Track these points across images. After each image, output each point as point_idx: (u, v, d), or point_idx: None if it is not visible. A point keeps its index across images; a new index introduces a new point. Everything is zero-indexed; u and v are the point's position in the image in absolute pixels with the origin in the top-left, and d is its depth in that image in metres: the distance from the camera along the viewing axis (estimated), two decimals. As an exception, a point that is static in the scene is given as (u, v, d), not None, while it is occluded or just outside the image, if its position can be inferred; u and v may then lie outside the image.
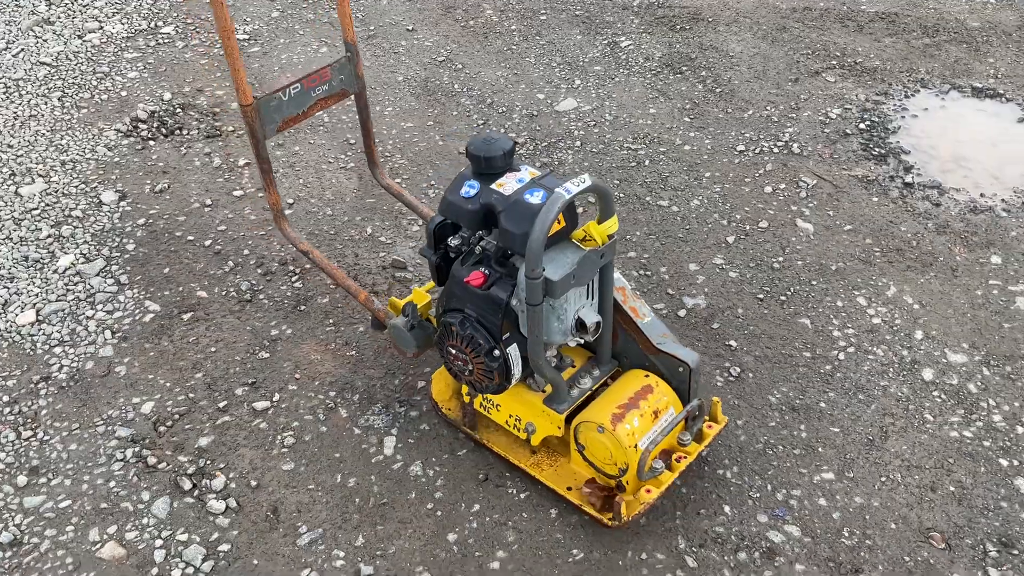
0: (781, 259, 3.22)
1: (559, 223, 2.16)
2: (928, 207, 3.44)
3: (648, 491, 2.28)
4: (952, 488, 2.48)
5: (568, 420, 2.35)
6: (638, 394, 2.31)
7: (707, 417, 2.44)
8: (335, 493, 2.50)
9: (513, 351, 2.24)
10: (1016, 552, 2.33)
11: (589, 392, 2.39)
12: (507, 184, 2.19)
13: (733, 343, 2.90)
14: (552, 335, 2.23)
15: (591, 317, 2.22)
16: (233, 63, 2.33)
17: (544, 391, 2.39)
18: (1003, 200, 3.47)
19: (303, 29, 4.63)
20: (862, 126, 3.86)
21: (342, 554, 2.35)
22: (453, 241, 2.34)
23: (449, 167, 3.68)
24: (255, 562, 2.34)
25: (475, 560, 2.33)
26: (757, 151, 3.75)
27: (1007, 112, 3.96)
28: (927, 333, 2.93)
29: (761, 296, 3.08)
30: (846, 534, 2.37)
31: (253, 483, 2.52)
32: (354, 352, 2.90)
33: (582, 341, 2.29)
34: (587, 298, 2.26)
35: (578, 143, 3.81)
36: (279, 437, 2.64)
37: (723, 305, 3.05)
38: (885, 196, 3.50)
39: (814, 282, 3.12)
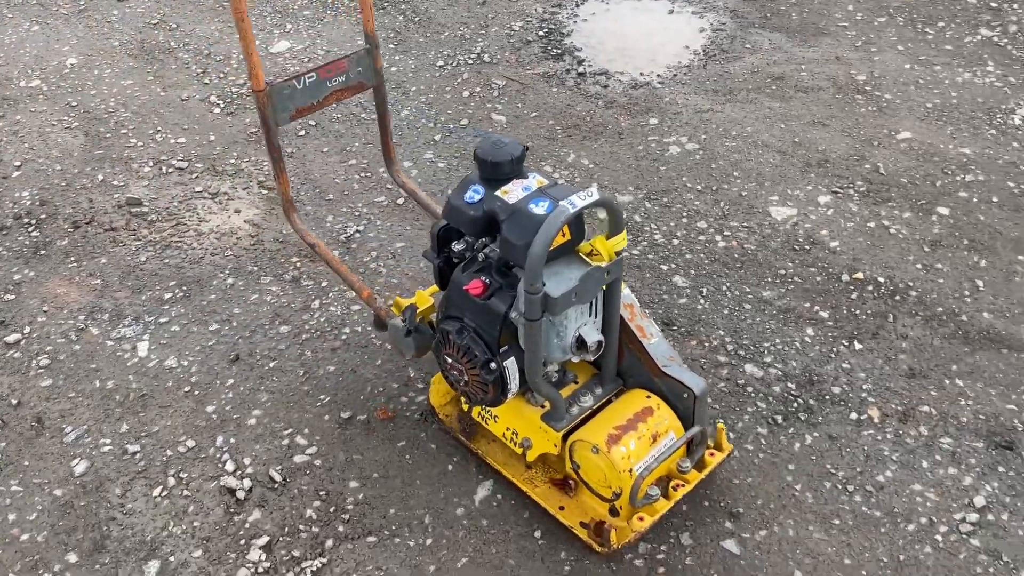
0: (480, 146, 3.65)
1: (563, 236, 2.03)
2: (598, 90, 3.98)
3: (641, 519, 2.14)
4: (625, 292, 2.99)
5: (564, 438, 2.22)
6: (637, 416, 2.17)
7: (710, 444, 2.32)
8: (95, 396, 2.67)
9: (511, 364, 2.11)
10: (675, 327, 2.86)
11: (589, 411, 2.25)
12: (512, 192, 2.07)
13: (445, 217, 3.29)
14: (551, 352, 2.10)
15: (592, 336, 2.09)
16: (247, 47, 2.19)
17: (543, 406, 2.24)
18: (658, 76, 4.06)
19: (11, 12, 4.58)
20: (541, 33, 4.36)
21: (108, 441, 2.54)
22: (457, 246, 2.21)
23: (174, 114, 3.84)
24: (26, 463, 2.48)
25: (233, 421, 2.59)
26: (454, 64, 4.16)
27: (659, 7, 4.59)
28: (601, 183, 3.44)
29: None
30: (544, 340, 2.82)
31: (14, 402, 2.64)
32: (99, 280, 3.05)
33: (581, 359, 2.18)
34: (590, 315, 2.13)
35: (295, 79, 4.08)
36: (34, 361, 2.77)
37: (435, 190, 3.43)
38: (563, 86, 4.01)
39: (508, 159, 3.57)
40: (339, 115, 3.84)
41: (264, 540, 2.29)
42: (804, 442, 2.51)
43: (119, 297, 2.98)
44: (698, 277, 3.03)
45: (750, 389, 2.65)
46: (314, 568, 2.24)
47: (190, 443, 2.53)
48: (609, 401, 2.28)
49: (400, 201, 3.37)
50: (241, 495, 2.39)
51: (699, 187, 3.41)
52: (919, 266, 3.04)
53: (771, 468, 2.43)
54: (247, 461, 2.48)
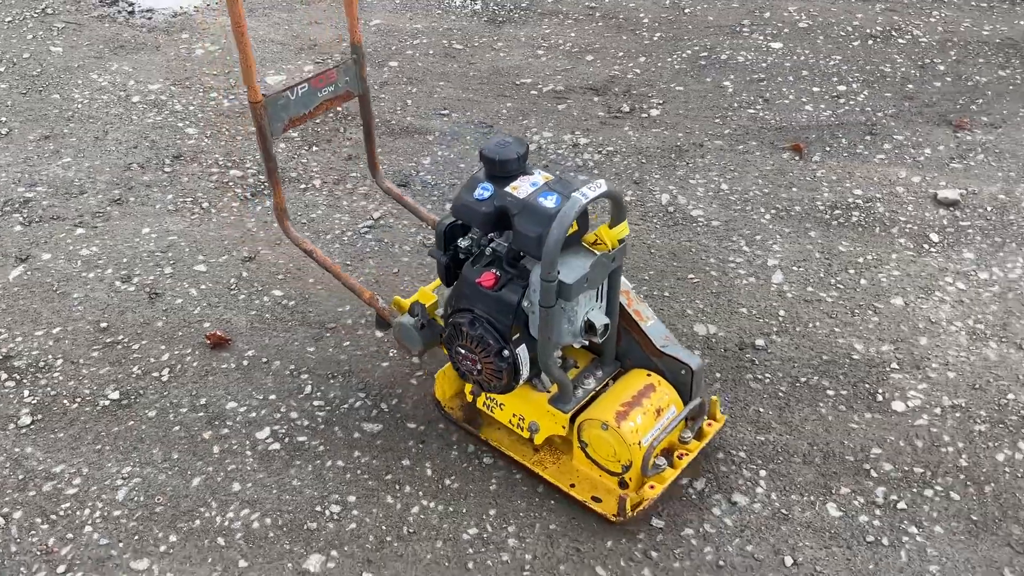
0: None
1: (572, 227, 2.07)
2: (144, 21, 4.80)
3: (652, 487, 2.22)
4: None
5: (572, 420, 2.28)
6: (641, 392, 2.25)
7: (706, 416, 2.39)
8: None
9: (522, 352, 2.18)
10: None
11: (593, 392, 2.33)
12: (521, 187, 2.11)
13: (4, 120, 3.96)
14: (562, 336, 2.15)
15: (600, 319, 2.15)
16: (245, 59, 2.16)
17: (549, 391, 2.31)
18: (194, 7, 4.93)
19: None
20: (99, -13, 5.11)
21: None
22: (463, 242, 2.26)
23: None
24: None
25: None
26: (22, 19, 4.81)
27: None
28: (136, 78, 4.26)
29: (24, 92, 4.18)
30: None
31: None
32: None
33: (587, 343, 2.24)
34: (596, 301, 2.20)
35: None
36: None
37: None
38: (114, 22, 4.79)
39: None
40: (-88, 65, 4.39)
41: None
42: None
43: None
44: (209, 128, 3.93)
45: (232, 185, 3.57)
46: None
47: None
48: (607, 384, 2.37)
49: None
50: None
51: (215, 72, 4.32)
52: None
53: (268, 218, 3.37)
54: None
